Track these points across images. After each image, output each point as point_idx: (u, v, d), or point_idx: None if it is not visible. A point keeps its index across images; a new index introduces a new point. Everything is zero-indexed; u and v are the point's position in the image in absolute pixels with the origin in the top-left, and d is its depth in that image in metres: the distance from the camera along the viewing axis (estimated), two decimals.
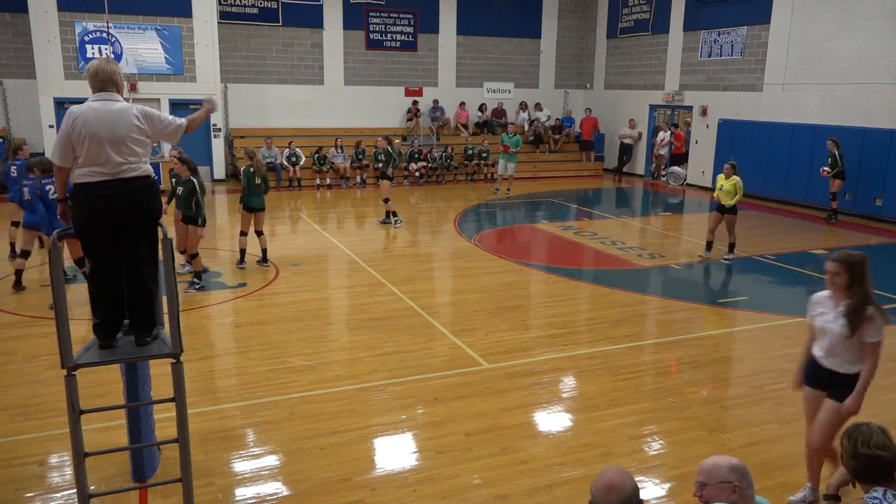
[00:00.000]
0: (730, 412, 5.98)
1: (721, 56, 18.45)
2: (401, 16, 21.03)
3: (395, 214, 13.70)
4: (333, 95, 20.69)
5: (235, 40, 19.40)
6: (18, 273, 9.02)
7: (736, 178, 10.74)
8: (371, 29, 20.78)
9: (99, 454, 4.33)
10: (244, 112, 19.82)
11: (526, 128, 22.14)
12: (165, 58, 17.86)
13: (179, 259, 9.59)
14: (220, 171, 19.12)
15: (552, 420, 5.83)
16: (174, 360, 3.87)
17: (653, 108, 21.26)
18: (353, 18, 20.54)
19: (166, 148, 16.22)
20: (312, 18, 20.09)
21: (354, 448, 5.21)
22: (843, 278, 4.12)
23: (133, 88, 17.02)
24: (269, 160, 17.76)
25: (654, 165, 21.03)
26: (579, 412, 5.92)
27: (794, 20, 16.25)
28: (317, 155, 18.78)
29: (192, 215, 9.03)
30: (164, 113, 4.14)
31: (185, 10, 17.78)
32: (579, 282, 10.27)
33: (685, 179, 19.62)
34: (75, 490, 3.93)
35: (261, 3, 19.47)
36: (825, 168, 14.35)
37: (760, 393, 6.31)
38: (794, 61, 16.32)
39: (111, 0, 15.55)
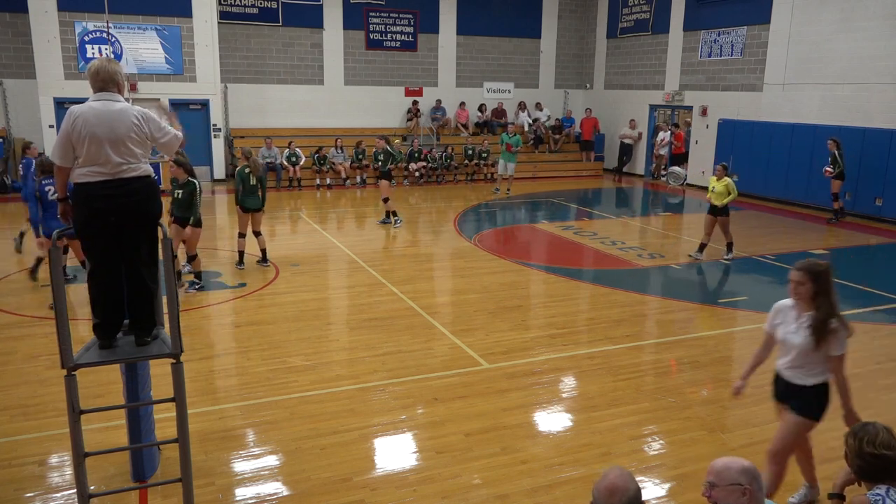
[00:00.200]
0: (730, 412, 5.98)
1: (721, 56, 18.45)
2: (401, 16, 21.03)
3: (394, 214, 13.70)
4: (333, 95, 20.69)
5: (235, 40, 19.40)
6: (39, 260, 9.24)
7: (728, 180, 10.79)
8: (371, 29, 20.78)
9: (99, 454, 4.32)
10: (244, 112, 19.81)
11: (526, 128, 22.14)
12: (165, 58, 17.86)
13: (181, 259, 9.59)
14: (219, 171, 19.12)
15: (552, 420, 5.83)
16: (174, 360, 3.87)
17: (653, 108, 21.27)
18: (353, 18, 20.54)
19: None
20: (312, 18, 20.09)
21: (354, 448, 5.21)
22: (807, 288, 3.97)
23: (133, 88, 17.02)
24: (269, 160, 17.78)
25: (654, 165, 21.02)
26: (579, 412, 5.92)
27: (794, 20, 16.25)
28: (317, 155, 18.79)
29: (186, 216, 8.89)
30: (164, 122, 4.13)
31: (185, 10, 17.79)
32: (579, 282, 10.27)
33: (685, 179, 19.62)
34: (75, 490, 3.93)
35: (261, 3, 19.47)
36: (827, 168, 14.29)
37: (760, 393, 6.24)
38: (794, 61, 16.32)
39: (111, 0, 15.54)
